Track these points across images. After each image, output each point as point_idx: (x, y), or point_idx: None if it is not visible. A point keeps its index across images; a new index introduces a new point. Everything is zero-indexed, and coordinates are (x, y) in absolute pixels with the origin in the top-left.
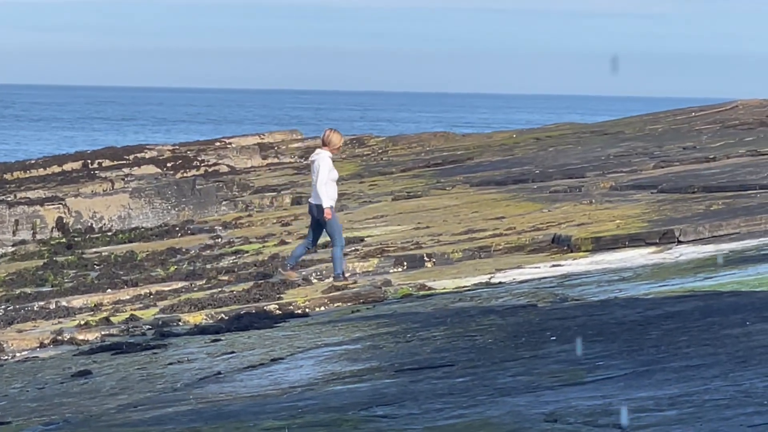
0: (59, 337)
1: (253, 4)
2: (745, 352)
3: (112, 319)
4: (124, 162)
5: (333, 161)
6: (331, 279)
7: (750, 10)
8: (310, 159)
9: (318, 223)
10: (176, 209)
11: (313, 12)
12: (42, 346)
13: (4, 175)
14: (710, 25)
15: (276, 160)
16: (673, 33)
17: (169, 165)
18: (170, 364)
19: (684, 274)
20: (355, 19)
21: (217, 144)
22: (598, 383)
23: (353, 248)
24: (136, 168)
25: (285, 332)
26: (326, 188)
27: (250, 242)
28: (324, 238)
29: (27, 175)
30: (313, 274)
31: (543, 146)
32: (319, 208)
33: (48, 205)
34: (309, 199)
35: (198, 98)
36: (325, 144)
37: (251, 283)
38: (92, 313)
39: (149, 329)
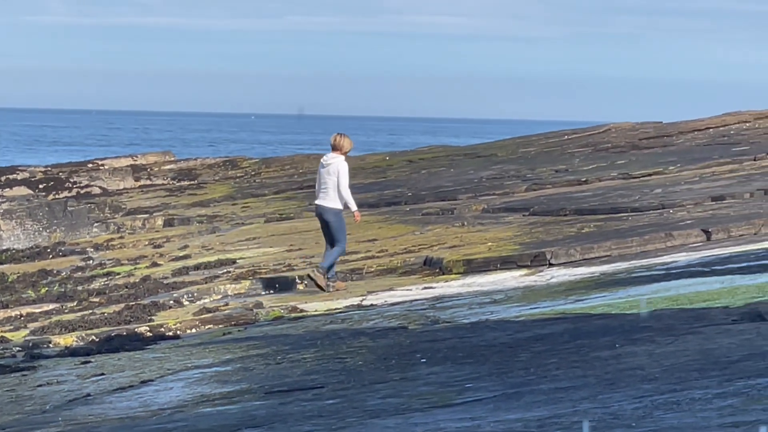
0: None
1: (119, 26)
2: (614, 374)
3: None
4: None
5: None
6: (203, 301)
7: (624, 36)
8: (323, 161)
9: (327, 224)
10: (48, 231)
11: (179, 34)
12: None
13: None
14: (584, 50)
15: (149, 182)
16: (545, 56)
17: (41, 186)
18: (39, 386)
19: (555, 297)
20: (218, 42)
21: (90, 166)
22: (467, 405)
23: (225, 270)
24: (7, 189)
25: (155, 354)
26: (349, 191)
27: (122, 264)
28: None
29: None
30: (185, 296)
31: (416, 169)
32: (334, 210)
33: None
34: (317, 202)
35: (62, 119)
36: (336, 148)
37: (122, 305)
38: None
39: (19, 351)
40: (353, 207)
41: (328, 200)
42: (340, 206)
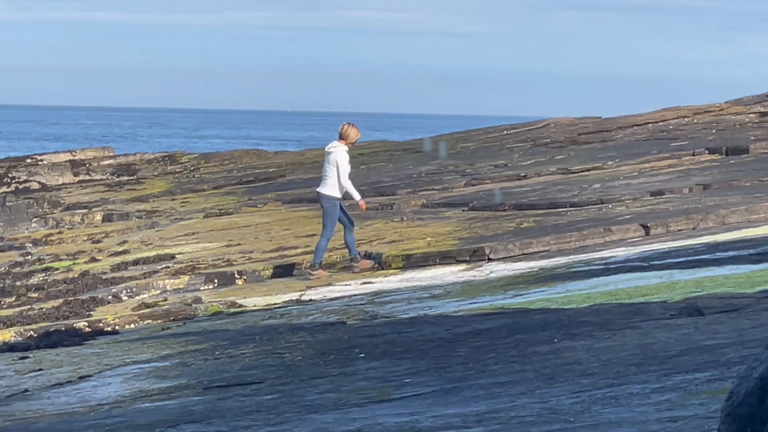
0: None
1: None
2: (552, 369)
3: None
4: None
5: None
6: (142, 296)
7: (560, 31)
8: (326, 150)
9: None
10: None
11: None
12: None
13: None
14: (523, 45)
15: (88, 177)
16: (484, 52)
17: None
18: None
19: (494, 292)
20: (156, 37)
21: (29, 161)
22: (405, 400)
23: (164, 265)
24: None
25: (94, 349)
26: (350, 181)
27: (61, 259)
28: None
29: None
30: (124, 291)
31: (355, 164)
32: (328, 197)
33: None
34: (317, 189)
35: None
36: (341, 137)
37: (61, 300)
38: None
39: None
40: (356, 197)
41: (326, 188)
42: (336, 194)
